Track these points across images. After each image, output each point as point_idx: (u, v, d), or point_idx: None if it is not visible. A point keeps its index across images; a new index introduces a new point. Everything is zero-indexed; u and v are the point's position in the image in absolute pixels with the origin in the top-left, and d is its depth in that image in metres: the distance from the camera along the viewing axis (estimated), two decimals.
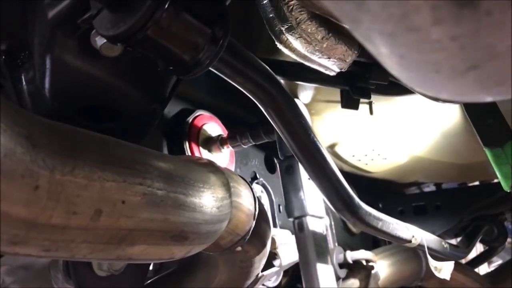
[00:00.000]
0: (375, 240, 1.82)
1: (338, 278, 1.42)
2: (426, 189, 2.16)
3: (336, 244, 1.48)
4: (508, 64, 0.29)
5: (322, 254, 1.09)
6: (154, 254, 0.57)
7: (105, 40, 0.56)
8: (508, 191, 1.03)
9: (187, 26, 0.55)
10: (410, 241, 1.06)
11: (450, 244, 1.36)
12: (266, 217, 0.95)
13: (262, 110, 0.73)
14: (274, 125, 0.75)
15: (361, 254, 1.42)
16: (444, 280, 1.66)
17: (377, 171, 1.49)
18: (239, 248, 0.87)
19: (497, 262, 2.58)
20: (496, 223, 1.81)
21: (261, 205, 0.93)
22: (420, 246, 1.11)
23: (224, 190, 0.69)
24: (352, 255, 1.41)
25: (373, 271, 1.44)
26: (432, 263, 1.12)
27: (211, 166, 0.72)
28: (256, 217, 0.86)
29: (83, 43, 0.62)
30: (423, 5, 0.22)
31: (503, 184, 1.03)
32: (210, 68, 0.62)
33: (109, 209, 0.48)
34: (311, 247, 1.08)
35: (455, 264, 1.74)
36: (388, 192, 1.88)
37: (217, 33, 0.56)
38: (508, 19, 0.24)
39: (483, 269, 2.31)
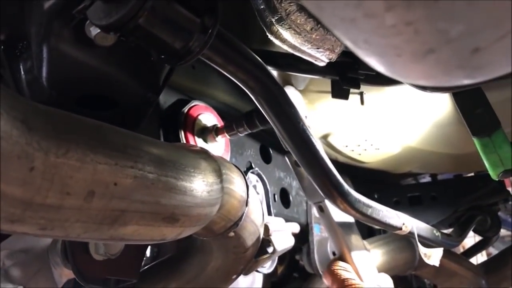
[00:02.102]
0: (370, 229, 1.84)
1: None
2: (422, 180, 2.18)
3: None
4: (464, 47, 0.31)
5: (347, 225, 1.20)
6: (146, 235, 0.60)
7: (99, 30, 0.58)
8: (496, 179, 1.06)
9: (177, 16, 0.57)
10: (400, 229, 1.09)
11: (442, 233, 1.38)
12: (258, 204, 0.98)
13: (253, 99, 0.75)
14: (264, 114, 0.77)
15: None
16: (437, 269, 1.69)
17: (370, 161, 1.51)
18: (232, 234, 0.90)
19: None
20: (490, 213, 1.83)
21: (253, 193, 0.96)
22: (411, 233, 1.14)
23: (215, 176, 0.72)
24: None
25: None
26: (422, 249, 1.14)
27: (203, 153, 0.74)
28: (248, 204, 0.88)
29: (79, 33, 0.64)
30: None
31: (491, 173, 1.05)
32: (201, 57, 0.65)
33: (102, 190, 0.51)
34: (334, 222, 1.20)
35: (449, 253, 1.77)
36: (384, 183, 1.91)
37: (207, 22, 0.58)
38: (456, 5, 0.26)
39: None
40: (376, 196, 1.86)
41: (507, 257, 1.95)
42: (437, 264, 1.16)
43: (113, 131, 0.57)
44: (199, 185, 0.65)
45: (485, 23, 0.29)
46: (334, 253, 1.45)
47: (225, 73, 0.70)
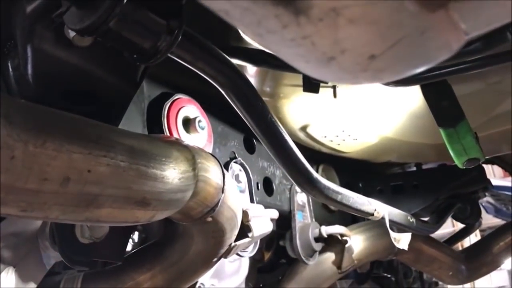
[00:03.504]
0: (354, 218, 1.91)
1: (314, 251, 1.52)
2: (408, 170, 2.25)
3: (314, 220, 1.58)
4: (360, 55, 0.37)
5: None
6: (120, 217, 0.66)
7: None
8: (462, 168, 1.12)
9: (144, 19, 0.63)
10: (372, 214, 1.15)
11: (418, 220, 1.45)
12: (236, 192, 1.04)
13: (223, 93, 0.82)
14: (234, 107, 0.83)
15: (335, 229, 1.51)
16: (417, 254, 1.76)
17: (349, 151, 1.57)
18: (209, 219, 0.96)
19: None
20: (470, 201, 1.90)
21: (231, 181, 1.02)
22: (384, 219, 1.20)
23: (187, 164, 0.78)
24: (326, 230, 1.51)
25: (346, 245, 1.53)
26: (392, 234, 1.21)
27: (176, 144, 0.81)
28: (225, 191, 0.95)
29: (60, 34, 0.70)
30: (268, 14, 0.30)
31: (456, 161, 1.12)
32: (171, 56, 0.71)
33: (76, 176, 0.57)
34: None
35: (428, 239, 1.84)
36: (368, 172, 1.97)
37: (172, 25, 0.65)
38: (338, 23, 0.32)
39: None
40: (360, 185, 1.92)
41: (487, 244, 2.02)
42: (405, 248, 1.22)
43: (88, 124, 0.63)
44: (170, 172, 0.71)
45: (371, 36, 0.35)
46: (315, 239, 1.53)
47: (195, 69, 0.76)
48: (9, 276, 0.84)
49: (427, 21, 0.36)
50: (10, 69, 0.81)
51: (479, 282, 5.31)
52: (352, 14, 0.32)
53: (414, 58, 0.40)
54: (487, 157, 1.77)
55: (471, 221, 1.94)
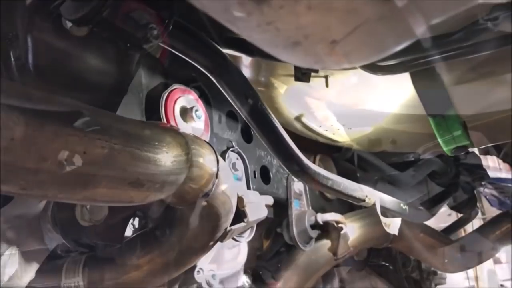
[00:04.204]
0: (351, 207, 1.93)
1: (310, 238, 1.55)
2: (406, 160, 2.27)
3: (310, 208, 1.62)
4: (322, 40, 0.41)
5: None
6: (116, 197, 0.70)
7: None
8: (451, 156, 1.16)
9: (136, 10, 0.67)
10: (364, 200, 1.19)
11: (411, 207, 1.48)
12: (230, 177, 1.08)
13: (215, 81, 0.85)
14: (225, 94, 0.87)
15: (331, 216, 1.55)
16: (412, 242, 1.80)
17: (344, 140, 1.60)
18: (204, 203, 1.00)
19: None
20: (466, 191, 1.93)
21: (225, 167, 1.06)
22: (375, 205, 1.24)
23: (180, 149, 0.82)
24: (322, 217, 1.54)
25: (342, 232, 1.57)
26: (383, 219, 1.24)
27: (170, 130, 0.85)
28: (219, 176, 0.98)
29: (58, 25, 0.74)
30: (233, 3, 0.34)
31: (444, 149, 1.15)
32: (163, 45, 0.75)
33: (73, 157, 0.61)
34: None
35: (424, 228, 1.87)
36: (366, 162, 1.99)
37: (163, 15, 0.68)
38: (298, 10, 0.36)
39: None
40: (358, 175, 1.95)
41: (484, 233, 2.04)
42: (396, 232, 1.26)
43: (85, 109, 0.67)
44: (163, 155, 0.75)
45: (330, 22, 0.38)
46: (312, 226, 1.56)
47: (187, 58, 0.80)
48: (13, 256, 0.89)
49: (383, 8, 0.39)
50: (12, 59, 0.85)
51: (481, 277, 5.32)
52: (310, 1, 0.35)
53: (377, 43, 0.44)
54: (483, 147, 1.80)
55: (467, 210, 1.97)
